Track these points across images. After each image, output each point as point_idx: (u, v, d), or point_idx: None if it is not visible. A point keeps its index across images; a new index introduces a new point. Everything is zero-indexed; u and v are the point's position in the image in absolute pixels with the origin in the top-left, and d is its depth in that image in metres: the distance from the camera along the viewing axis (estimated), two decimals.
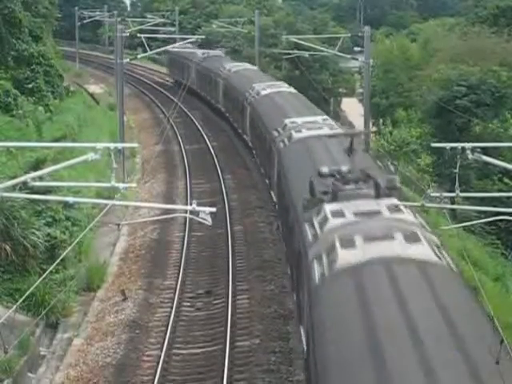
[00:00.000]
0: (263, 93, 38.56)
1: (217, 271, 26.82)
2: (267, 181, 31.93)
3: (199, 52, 66.83)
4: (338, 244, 12.69)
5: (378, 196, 14.94)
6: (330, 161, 20.01)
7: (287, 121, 28.12)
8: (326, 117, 29.27)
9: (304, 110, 32.24)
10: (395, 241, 12.47)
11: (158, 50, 53.70)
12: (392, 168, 21.85)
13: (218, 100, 55.30)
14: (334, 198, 15.10)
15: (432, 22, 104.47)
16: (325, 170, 17.04)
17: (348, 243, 12.58)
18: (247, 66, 55.42)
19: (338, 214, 14.11)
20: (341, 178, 16.01)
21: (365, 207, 14.19)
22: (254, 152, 38.62)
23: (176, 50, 70.87)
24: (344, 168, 16.70)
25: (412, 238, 12.63)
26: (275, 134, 28.19)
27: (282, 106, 34.26)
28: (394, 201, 14.69)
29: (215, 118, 57.79)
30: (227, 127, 51.83)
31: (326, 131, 25.79)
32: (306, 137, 25.27)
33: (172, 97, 66.78)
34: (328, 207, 14.57)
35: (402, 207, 14.27)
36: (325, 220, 14.19)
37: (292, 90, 40.00)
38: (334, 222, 13.87)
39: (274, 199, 28.35)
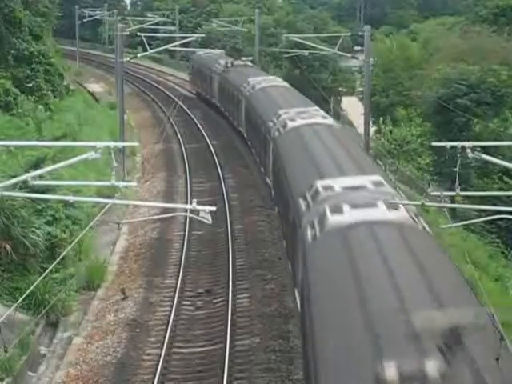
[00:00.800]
0: (291, 125, 28.10)
1: (217, 270, 26.82)
2: (292, 272, 20.46)
3: (223, 60, 57.04)
4: None
5: None
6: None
7: (319, 184, 18.30)
8: (378, 178, 18.57)
9: (347, 162, 21.64)
10: None
11: (158, 49, 53.64)
12: None
13: (241, 123, 45.64)
14: None
15: (432, 21, 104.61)
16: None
17: None
18: (277, 81, 44.57)
19: None
20: None
21: None
22: (278, 212, 27.73)
23: (198, 55, 66.20)
24: None
25: None
26: (302, 204, 18.59)
27: (314, 151, 23.62)
28: None
29: (215, 117, 57.73)
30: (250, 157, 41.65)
31: (382, 213, 15.46)
32: (348, 225, 15.08)
33: (173, 96, 66.80)
34: None
35: None
36: None
37: (330, 121, 29.36)
38: None
39: (298, 307, 17.39)
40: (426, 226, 16.57)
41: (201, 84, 63.55)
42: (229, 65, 54.01)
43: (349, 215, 15.49)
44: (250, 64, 55.56)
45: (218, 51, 65.36)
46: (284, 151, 26.10)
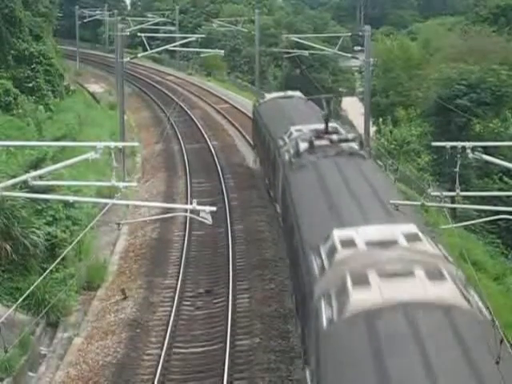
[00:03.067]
0: None
1: (217, 270, 26.81)
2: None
3: (296, 130, 25.23)
4: None
5: None
6: None
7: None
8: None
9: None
10: None
11: (158, 49, 53.64)
12: None
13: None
14: None
15: (432, 21, 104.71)
16: None
17: None
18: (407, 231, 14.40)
19: None
20: None
21: None
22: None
23: (265, 102, 37.09)
24: None
25: None
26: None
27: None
28: None
29: (215, 117, 57.63)
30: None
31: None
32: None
33: (172, 96, 66.78)
34: None
35: None
36: None
37: None
38: None
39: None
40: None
41: (262, 159, 34.81)
42: (302, 148, 22.58)
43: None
44: (354, 148, 22.41)
45: (298, 94, 37.28)
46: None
